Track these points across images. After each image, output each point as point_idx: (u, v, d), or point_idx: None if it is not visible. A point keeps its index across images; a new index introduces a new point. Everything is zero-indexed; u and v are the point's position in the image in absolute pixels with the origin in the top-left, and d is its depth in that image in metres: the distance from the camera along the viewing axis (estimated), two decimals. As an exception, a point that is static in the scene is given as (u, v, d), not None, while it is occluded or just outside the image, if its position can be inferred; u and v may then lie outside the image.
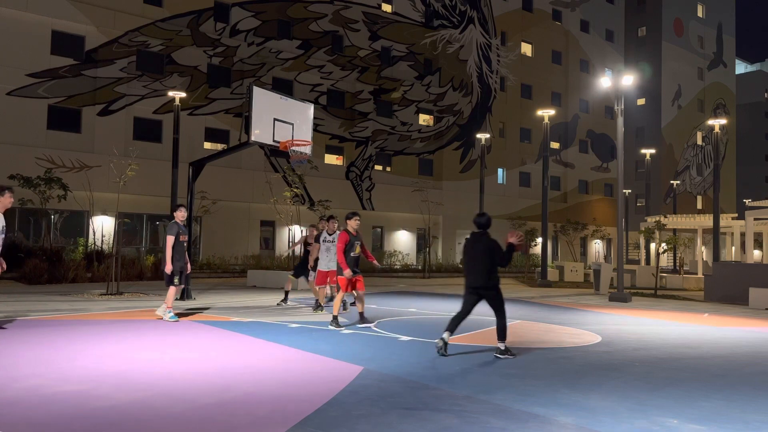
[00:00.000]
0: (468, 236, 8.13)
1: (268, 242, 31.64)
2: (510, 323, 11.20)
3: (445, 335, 7.59)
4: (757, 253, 38.13)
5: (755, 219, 26.77)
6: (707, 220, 28.72)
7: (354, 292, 10.12)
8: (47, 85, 25.20)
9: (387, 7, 36.92)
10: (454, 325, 7.71)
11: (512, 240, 7.49)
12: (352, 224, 9.94)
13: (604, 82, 19.00)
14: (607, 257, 50.03)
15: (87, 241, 22.83)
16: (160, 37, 28.02)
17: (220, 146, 29.51)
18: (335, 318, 9.83)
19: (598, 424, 4.85)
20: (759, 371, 7.34)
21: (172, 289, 10.06)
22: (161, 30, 28.08)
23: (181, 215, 10.22)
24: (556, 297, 17.93)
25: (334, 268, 10.87)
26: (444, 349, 7.51)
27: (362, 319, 10.36)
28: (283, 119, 12.82)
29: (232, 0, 30.34)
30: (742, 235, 30.51)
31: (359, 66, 35.31)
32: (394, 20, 37.05)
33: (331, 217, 11.69)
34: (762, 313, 15.03)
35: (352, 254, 9.87)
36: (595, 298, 18.34)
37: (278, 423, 4.59)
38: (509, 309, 13.85)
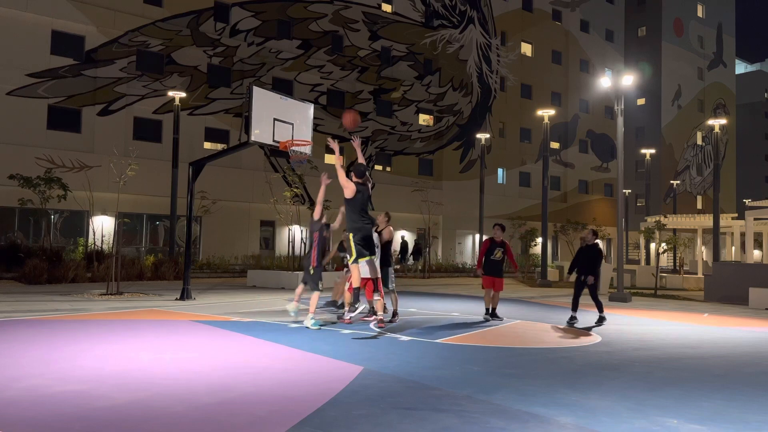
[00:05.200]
0: (583, 245, 11.48)
1: (268, 242, 31.64)
2: (510, 323, 11.24)
3: (574, 313, 11.30)
4: (757, 253, 38.10)
5: (755, 219, 26.75)
6: (707, 220, 28.71)
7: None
8: (47, 85, 25.18)
9: (387, 7, 36.90)
10: (576, 304, 11.38)
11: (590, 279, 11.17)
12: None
13: (604, 82, 18.99)
14: (607, 257, 50.02)
15: (87, 241, 22.82)
16: (160, 37, 28.01)
17: (220, 146, 29.47)
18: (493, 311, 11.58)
19: (598, 424, 4.85)
20: (759, 371, 7.34)
21: (315, 295, 9.78)
22: (161, 30, 28.07)
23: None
24: (556, 297, 17.92)
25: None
26: (575, 319, 11.18)
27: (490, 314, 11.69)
28: (283, 119, 12.79)
29: (232, 0, 30.32)
30: (742, 235, 30.49)
31: (359, 66, 35.30)
32: (394, 20, 37.03)
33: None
34: (762, 313, 15.03)
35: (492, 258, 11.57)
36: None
37: (278, 423, 4.59)
38: (508, 309, 13.90)
